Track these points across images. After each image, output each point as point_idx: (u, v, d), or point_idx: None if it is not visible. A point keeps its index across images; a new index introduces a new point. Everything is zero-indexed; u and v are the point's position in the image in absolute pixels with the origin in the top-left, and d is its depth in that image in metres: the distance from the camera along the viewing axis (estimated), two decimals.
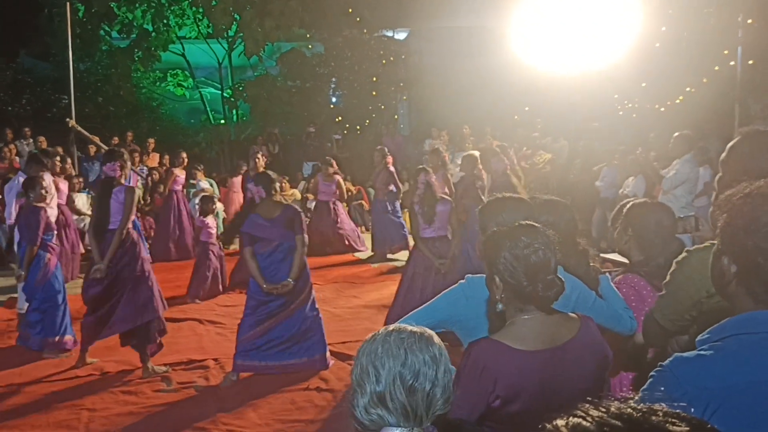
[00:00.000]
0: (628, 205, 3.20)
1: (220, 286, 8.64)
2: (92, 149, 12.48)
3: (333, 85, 18.03)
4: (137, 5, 17.14)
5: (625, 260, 3.30)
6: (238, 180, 12.03)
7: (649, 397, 1.49)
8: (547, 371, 2.06)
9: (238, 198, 11.86)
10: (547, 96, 12.33)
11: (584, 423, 0.86)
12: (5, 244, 9.81)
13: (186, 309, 7.98)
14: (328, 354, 5.86)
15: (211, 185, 12.06)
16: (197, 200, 9.91)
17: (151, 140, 14.33)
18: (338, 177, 11.22)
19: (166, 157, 13.85)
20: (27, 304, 6.49)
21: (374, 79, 16.95)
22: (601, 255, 3.50)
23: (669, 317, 2.61)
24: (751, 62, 10.56)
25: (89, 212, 9.97)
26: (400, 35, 18.78)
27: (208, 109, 19.14)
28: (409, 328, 1.63)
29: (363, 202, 13.87)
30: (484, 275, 2.22)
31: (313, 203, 11.85)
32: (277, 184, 5.79)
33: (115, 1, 16.83)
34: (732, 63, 10.66)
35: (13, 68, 17.56)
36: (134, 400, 5.30)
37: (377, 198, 11.18)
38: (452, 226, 6.55)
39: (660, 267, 3.00)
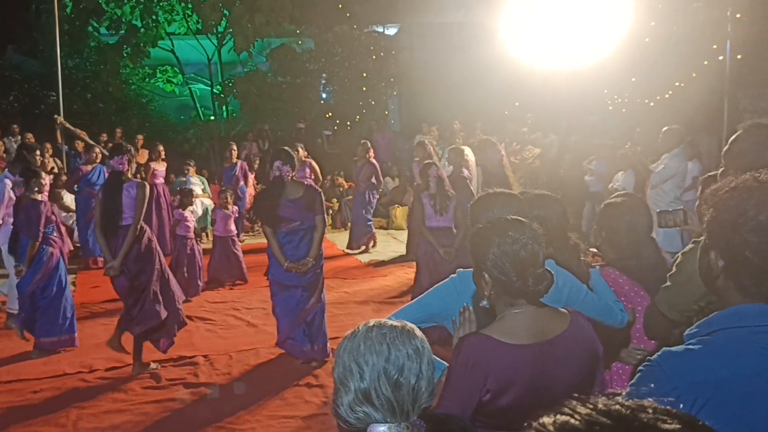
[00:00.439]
0: (602, 206, 3.25)
1: (199, 282, 8.48)
2: (80, 145, 12.40)
3: (323, 81, 17.99)
4: (126, 1, 17.03)
5: None
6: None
7: (637, 392, 1.49)
8: (538, 365, 2.06)
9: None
10: (538, 91, 12.32)
11: (572, 421, 0.83)
12: None
13: None
14: (329, 346, 5.91)
15: (203, 182, 12.00)
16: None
17: (140, 137, 14.25)
18: (310, 160, 11.11)
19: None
20: (17, 302, 6.41)
21: (365, 74, 16.92)
22: (591, 249, 3.52)
23: (677, 308, 2.61)
24: (739, 57, 10.59)
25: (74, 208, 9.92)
26: (391, 31, 18.75)
27: (197, 105, 19.07)
28: (390, 322, 1.61)
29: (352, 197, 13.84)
30: None
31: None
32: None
33: None
34: (721, 57, 10.68)
35: (1, 64, 17.45)
36: (123, 397, 5.27)
37: (359, 191, 11.18)
38: (457, 219, 6.81)
39: (632, 268, 3.04)
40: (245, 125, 17.84)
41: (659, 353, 1.56)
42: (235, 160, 11.54)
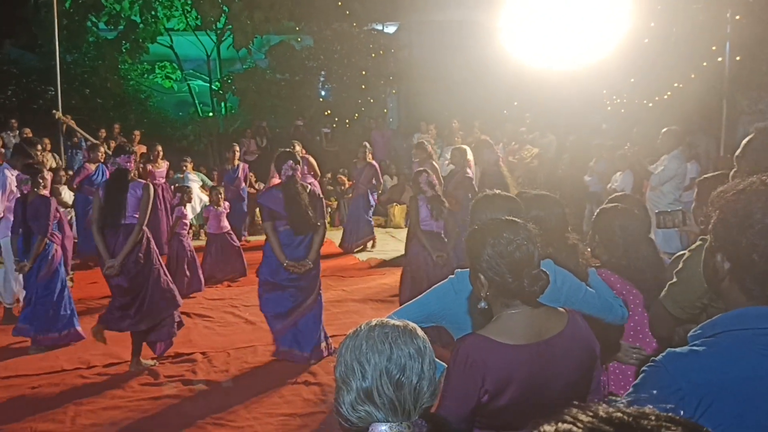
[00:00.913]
0: (596, 211, 3.35)
1: (201, 277, 8.52)
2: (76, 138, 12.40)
3: (322, 79, 17.96)
4: None
5: None
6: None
7: (641, 393, 1.49)
8: (535, 365, 2.06)
9: None
10: (537, 91, 12.33)
11: (574, 429, 0.83)
12: None
13: None
14: (323, 345, 5.91)
15: (202, 180, 11.97)
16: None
17: (137, 132, 14.22)
18: (307, 156, 11.10)
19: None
20: (13, 298, 6.42)
21: (363, 72, 16.90)
22: (589, 250, 3.54)
23: (680, 305, 2.64)
24: (738, 58, 10.61)
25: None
26: (390, 29, 18.73)
27: (196, 101, 19.02)
28: (392, 322, 1.62)
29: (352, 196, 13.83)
30: None
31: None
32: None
33: None
34: (720, 59, 10.70)
35: None
36: (121, 394, 5.27)
37: (359, 193, 11.17)
38: (448, 226, 6.80)
39: (624, 267, 3.09)
40: (243, 122, 17.80)
41: (664, 354, 1.56)
42: (237, 162, 11.52)
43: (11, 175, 7.20)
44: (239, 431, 4.66)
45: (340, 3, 16.65)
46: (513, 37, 7.43)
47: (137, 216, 5.58)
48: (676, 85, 11.58)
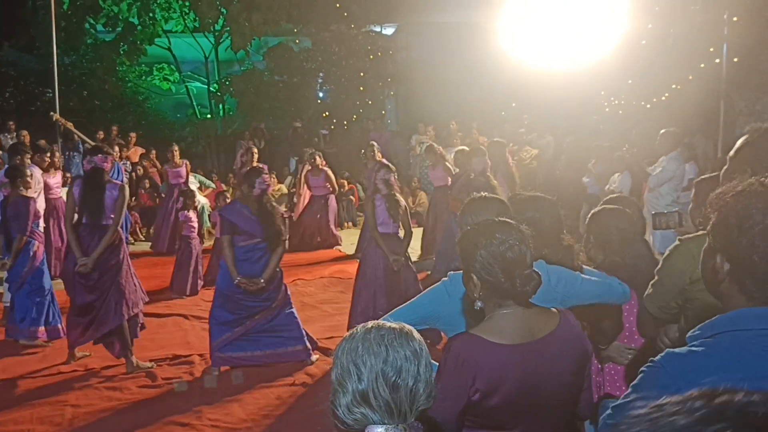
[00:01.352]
0: (589, 215, 3.39)
1: (199, 280, 8.58)
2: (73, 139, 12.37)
3: (320, 80, 17.98)
4: None
5: None
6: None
7: (640, 393, 1.49)
8: (527, 365, 2.07)
9: None
10: (535, 92, 12.34)
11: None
12: None
13: (171, 304, 7.95)
14: (309, 346, 5.87)
15: (200, 182, 11.96)
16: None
17: (133, 134, 14.21)
18: (326, 169, 11.14)
19: (153, 152, 13.76)
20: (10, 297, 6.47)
21: (362, 74, 16.92)
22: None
23: (657, 304, 2.66)
24: (736, 59, 10.62)
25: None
26: (388, 30, 18.74)
27: (194, 103, 19.03)
28: (388, 324, 1.62)
29: (353, 198, 13.84)
30: None
31: (300, 198, 11.80)
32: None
33: None
34: (717, 60, 10.71)
35: None
36: (118, 396, 5.26)
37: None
38: (404, 226, 6.47)
39: (618, 265, 3.10)
40: (242, 124, 17.82)
41: (663, 355, 1.56)
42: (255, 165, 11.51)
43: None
44: None
45: (338, 5, 16.66)
46: (511, 38, 7.43)
47: (113, 217, 5.60)
48: (673, 86, 11.59)
